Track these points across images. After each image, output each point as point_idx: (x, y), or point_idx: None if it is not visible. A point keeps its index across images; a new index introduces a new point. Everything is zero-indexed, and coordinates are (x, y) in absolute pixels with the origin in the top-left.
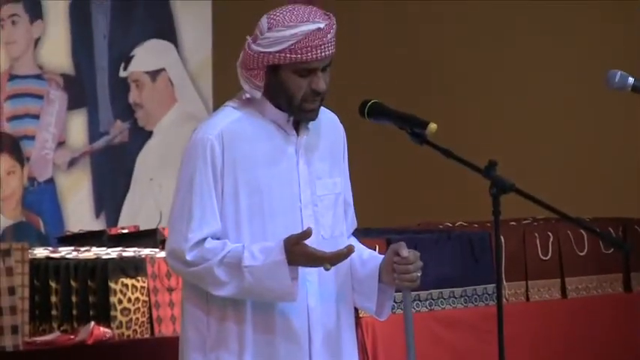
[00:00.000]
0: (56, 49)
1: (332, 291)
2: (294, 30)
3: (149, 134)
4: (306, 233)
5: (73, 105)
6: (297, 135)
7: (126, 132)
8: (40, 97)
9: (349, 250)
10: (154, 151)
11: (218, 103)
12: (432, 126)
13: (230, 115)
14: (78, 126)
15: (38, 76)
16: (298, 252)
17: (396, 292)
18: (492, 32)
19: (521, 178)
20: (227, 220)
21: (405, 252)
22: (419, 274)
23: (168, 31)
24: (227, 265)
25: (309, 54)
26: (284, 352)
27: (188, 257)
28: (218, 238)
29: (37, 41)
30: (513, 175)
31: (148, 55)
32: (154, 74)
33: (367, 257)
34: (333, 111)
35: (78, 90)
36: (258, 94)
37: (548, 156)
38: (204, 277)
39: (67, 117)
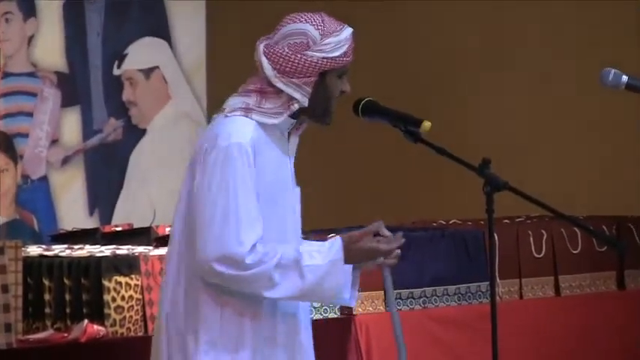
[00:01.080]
0: (50, 47)
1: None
2: (344, 34)
3: (143, 132)
4: (374, 227)
5: (66, 103)
6: (288, 143)
7: (120, 130)
8: (33, 94)
9: (400, 241)
10: (148, 148)
11: (212, 101)
12: (426, 124)
13: (248, 123)
14: (72, 124)
15: (32, 74)
16: (360, 248)
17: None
18: (488, 31)
19: (516, 176)
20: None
21: (387, 231)
22: (399, 252)
23: (162, 29)
24: (283, 266)
25: (352, 55)
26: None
27: (247, 260)
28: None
29: (30, 39)
30: (508, 173)
31: (142, 53)
32: (148, 72)
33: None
34: None
35: (71, 88)
36: (307, 101)
37: (543, 154)
38: (258, 280)
39: (61, 115)
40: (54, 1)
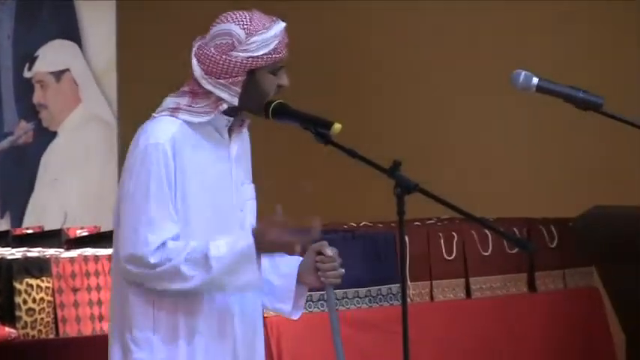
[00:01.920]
0: None
1: (251, 297)
2: (273, 31)
3: (53, 134)
4: (278, 214)
5: None
6: (230, 141)
7: (30, 132)
8: None
9: (316, 233)
10: (59, 151)
11: (122, 104)
12: (337, 126)
13: (172, 121)
14: None
15: None
16: (270, 237)
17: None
18: (404, 33)
19: (428, 178)
20: (180, 222)
21: (329, 250)
22: (343, 271)
23: (72, 31)
24: (192, 260)
25: (284, 51)
26: (213, 350)
27: (152, 260)
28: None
29: None
30: (420, 175)
31: (53, 55)
32: (59, 74)
33: (279, 260)
34: None
35: None
36: (237, 101)
37: (456, 156)
38: (169, 276)
39: None
40: None
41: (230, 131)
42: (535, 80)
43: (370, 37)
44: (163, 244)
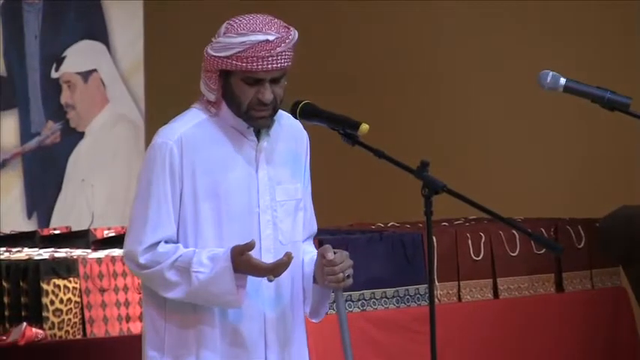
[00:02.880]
0: None
1: (287, 296)
2: (243, 38)
3: (81, 135)
4: (250, 245)
5: (4, 106)
6: (258, 140)
7: (58, 133)
8: None
9: (289, 257)
10: (86, 151)
11: (150, 104)
12: (364, 126)
13: (193, 118)
14: (9, 127)
15: None
16: (242, 262)
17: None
18: (442, 31)
19: (455, 178)
20: (186, 224)
21: (330, 254)
22: (347, 274)
23: (99, 32)
24: (177, 268)
25: (255, 64)
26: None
27: (141, 260)
28: (174, 242)
29: None
30: (447, 175)
31: (80, 56)
32: (86, 75)
33: (308, 261)
34: None
35: (9, 91)
36: (212, 97)
37: (482, 157)
38: (156, 280)
39: None
40: None
41: (260, 132)
42: (563, 80)
43: (393, 37)
44: (156, 244)
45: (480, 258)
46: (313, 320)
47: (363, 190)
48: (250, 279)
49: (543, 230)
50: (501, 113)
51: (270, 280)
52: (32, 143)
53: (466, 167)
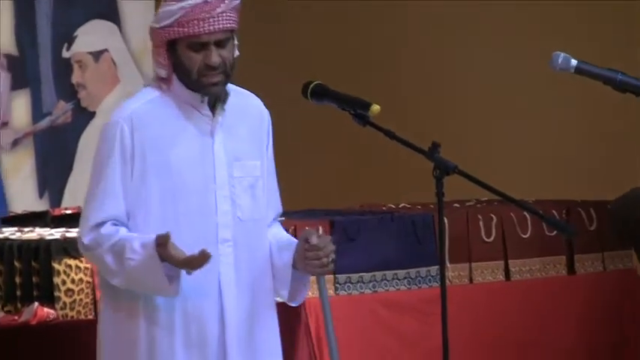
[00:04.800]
0: None
1: (247, 276)
2: (181, 4)
3: (92, 115)
4: (165, 236)
5: (16, 85)
6: (213, 115)
7: (69, 112)
8: None
9: (204, 255)
10: (97, 131)
11: None
12: (375, 107)
13: (146, 95)
14: (21, 106)
15: None
16: (162, 253)
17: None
18: (437, 12)
19: (466, 160)
20: (139, 202)
21: (315, 239)
22: (330, 259)
23: (111, 12)
24: (115, 253)
25: (196, 27)
26: (195, 336)
27: (84, 240)
28: (123, 224)
29: None
30: (458, 156)
31: (91, 35)
32: (97, 55)
33: (284, 244)
34: (272, 95)
35: (21, 71)
36: (163, 72)
37: (493, 139)
38: (98, 263)
39: (11, 97)
40: None
41: (215, 107)
42: (574, 62)
43: (406, 23)
44: (101, 224)
45: (491, 240)
46: (292, 304)
47: (374, 170)
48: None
49: (555, 212)
50: (514, 94)
51: (189, 274)
52: (43, 123)
53: (476, 149)
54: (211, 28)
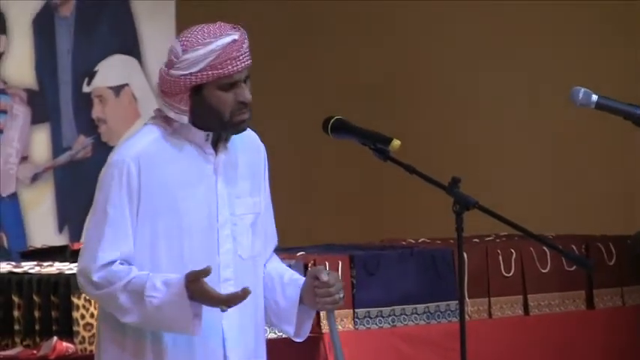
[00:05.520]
0: (20, 64)
1: (248, 314)
2: (211, 47)
3: (112, 149)
4: (206, 271)
5: (36, 120)
6: (216, 154)
7: (89, 147)
8: (3, 112)
9: (245, 292)
10: None
11: None
12: (396, 142)
13: (149, 135)
14: (41, 141)
15: (2, 91)
16: (197, 290)
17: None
18: (459, 47)
19: (485, 195)
20: (143, 242)
21: (325, 276)
22: (341, 296)
23: (131, 46)
24: (130, 291)
25: (230, 67)
26: None
27: (94, 278)
28: (130, 263)
29: (0, 56)
30: (477, 192)
31: (112, 70)
32: (118, 89)
33: (287, 281)
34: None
35: (41, 105)
36: (186, 119)
37: (512, 174)
38: (109, 302)
39: (31, 132)
40: (24, 18)
41: (217, 145)
42: (594, 97)
43: (420, 51)
44: (111, 263)
45: (510, 274)
46: (297, 340)
47: (394, 206)
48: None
49: (574, 247)
50: (532, 129)
51: (223, 311)
52: (64, 157)
53: (495, 184)
54: (242, 65)
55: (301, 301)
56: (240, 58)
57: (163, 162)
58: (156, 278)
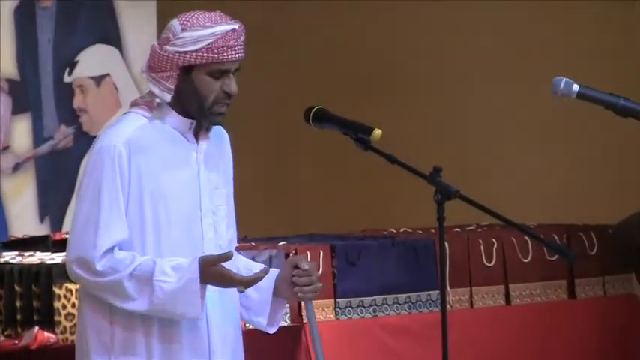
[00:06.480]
0: (1, 54)
1: (228, 302)
2: (211, 30)
3: (93, 139)
4: (227, 256)
5: (17, 110)
6: (197, 143)
7: (70, 137)
8: None
9: (265, 271)
10: None
11: None
12: (377, 132)
13: (134, 121)
14: (22, 131)
15: None
16: (214, 272)
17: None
18: (442, 36)
19: (467, 184)
20: (132, 228)
21: (306, 265)
22: (320, 285)
23: (113, 36)
24: (138, 278)
25: (225, 54)
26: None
27: (98, 266)
28: (127, 249)
29: None
30: (458, 181)
31: (93, 60)
32: (99, 79)
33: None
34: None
35: (22, 95)
36: (168, 97)
37: (493, 163)
38: (113, 289)
39: (12, 122)
40: (5, 8)
41: (197, 134)
42: (576, 87)
43: (407, 41)
44: (111, 249)
45: (492, 264)
46: (270, 331)
47: (375, 195)
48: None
49: (556, 236)
50: (513, 118)
51: (241, 291)
52: (45, 147)
53: (477, 173)
54: (237, 56)
55: (275, 292)
56: (236, 48)
57: (150, 149)
58: (164, 263)
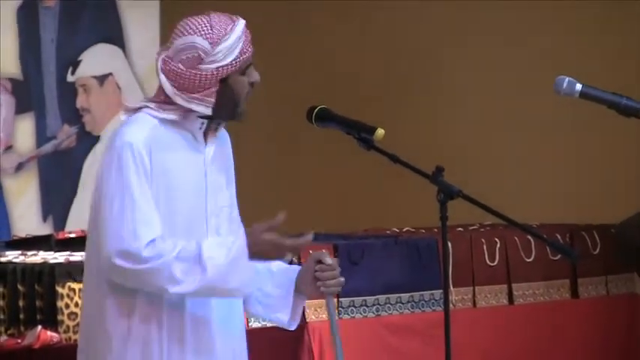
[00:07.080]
0: (4, 54)
1: (234, 300)
2: (235, 35)
3: (96, 139)
4: (278, 220)
5: (20, 109)
6: (206, 144)
7: (73, 136)
8: None
9: (308, 239)
10: (101, 155)
11: None
12: (380, 132)
13: (149, 121)
14: (25, 130)
15: None
16: (264, 240)
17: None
18: (443, 36)
19: (470, 183)
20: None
21: (330, 259)
22: (343, 279)
23: (116, 36)
24: (184, 259)
25: (250, 49)
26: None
27: (144, 253)
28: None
29: None
30: (461, 181)
31: (96, 59)
32: (102, 79)
33: (276, 270)
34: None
35: (25, 94)
36: (211, 111)
37: (496, 162)
38: (159, 274)
39: (15, 121)
40: (8, 7)
41: (205, 135)
42: (579, 86)
43: (408, 41)
44: (153, 240)
45: (495, 263)
46: (291, 327)
47: (378, 195)
48: None
49: (559, 236)
50: (515, 118)
51: (288, 260)
52: (48, 147)
53: (479, 172)
54: (252, 47)
55: (296, 289)
56: (250, 39)
57: (164, 148)
58: (207, 242)
